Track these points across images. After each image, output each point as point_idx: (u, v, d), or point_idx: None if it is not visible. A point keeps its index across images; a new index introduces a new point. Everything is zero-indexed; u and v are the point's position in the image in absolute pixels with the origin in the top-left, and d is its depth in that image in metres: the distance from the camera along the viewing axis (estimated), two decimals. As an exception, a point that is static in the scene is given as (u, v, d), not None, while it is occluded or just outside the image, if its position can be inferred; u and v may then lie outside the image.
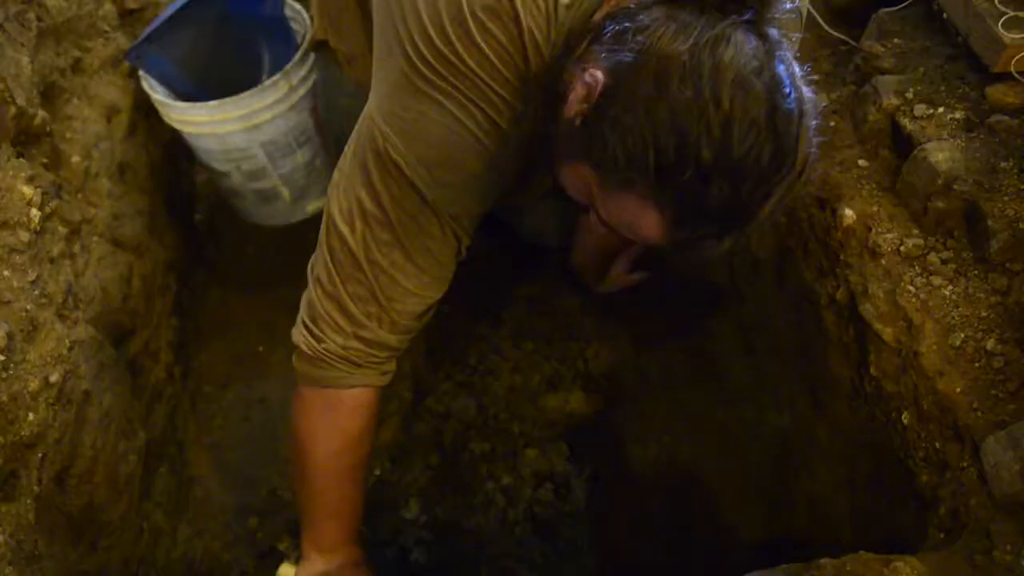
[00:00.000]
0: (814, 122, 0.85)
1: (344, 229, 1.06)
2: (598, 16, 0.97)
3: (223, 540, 1.61)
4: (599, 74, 0.87)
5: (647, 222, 0.88)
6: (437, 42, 0.96)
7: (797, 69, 0.85)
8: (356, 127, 1.08)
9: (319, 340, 1.12)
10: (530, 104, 1.01)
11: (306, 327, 1.13)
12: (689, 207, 0.83)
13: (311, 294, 1.12)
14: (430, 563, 1.58)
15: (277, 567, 1.32)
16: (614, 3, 0.95)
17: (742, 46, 0.81)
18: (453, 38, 0.95)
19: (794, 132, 0.82)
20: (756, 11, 0.84)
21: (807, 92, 0.85)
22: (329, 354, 1.12)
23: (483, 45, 0.95)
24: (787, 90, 0.82)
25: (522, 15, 0.95)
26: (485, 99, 0.97)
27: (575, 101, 0.91)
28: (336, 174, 1.09)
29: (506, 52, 0.96)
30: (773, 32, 0.85)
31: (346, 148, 1.09)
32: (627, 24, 0.86)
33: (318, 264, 1.11)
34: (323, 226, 1.10)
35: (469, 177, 1.02)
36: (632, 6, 0.89)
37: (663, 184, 0.82)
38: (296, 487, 1.27)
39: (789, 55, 0.86)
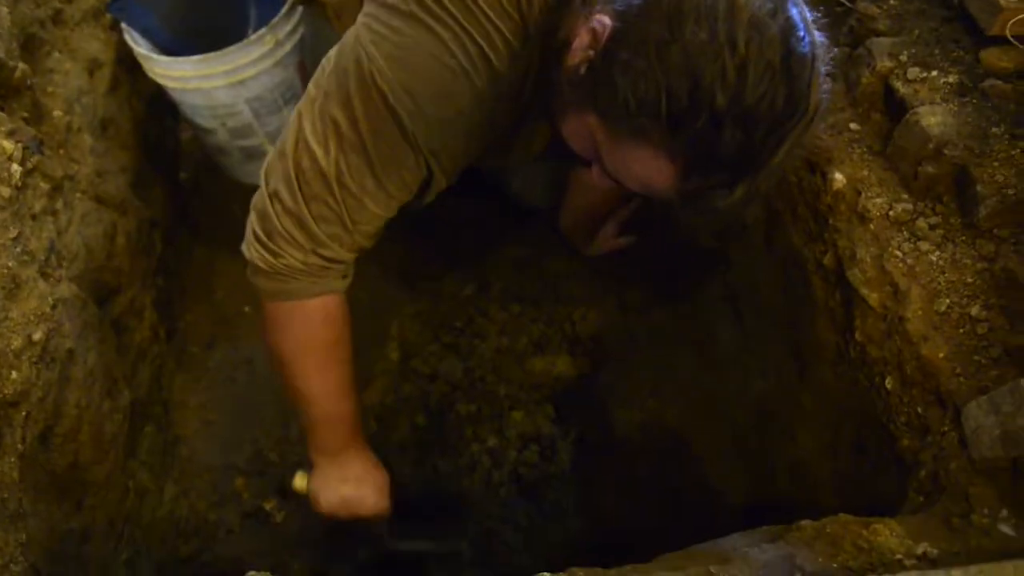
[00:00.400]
0: (825, 68, 0.84)
1: (317, 150, 1.02)
2: None
3: (209, 500, 1.62)
4: (606, 19, 0.85)
5: (657, 172, 0.86)
6: None
7: (808, 13, 0.84)
8: (339, 44, 1.04)
9: (276, 255, 1.09)
10: (528, 47, 0.99)
11: (260, 243, 1.10)
12: (701, 154, 0.82)
13: (268, 208, 1.08)
14: (415, 524, 1.59)
15: (292, 476, 1.36)
16: None
17: None
18: None
19: (807, 77, 0.81)
20: None
21: (819, 37, 0.84)
22: (287, 268, 1.10)
23: None
24: (801, 33, 0.81)
25: None
26: (483, 33, 0.95)
27: (579, 48, 0.90)
28: (311, 87, 1.05)
29: None
30: None
31: (324, 62, 1.05)
32: None
33: (278, 178, 1.07)
34: (290, 139, 1.05)
35: (455, 113, 1.00)
36: None
37: (675, 130, 0.81)
38: (288, 398, 1.27)
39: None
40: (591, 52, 0.87)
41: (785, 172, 1.38)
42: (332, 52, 1.05)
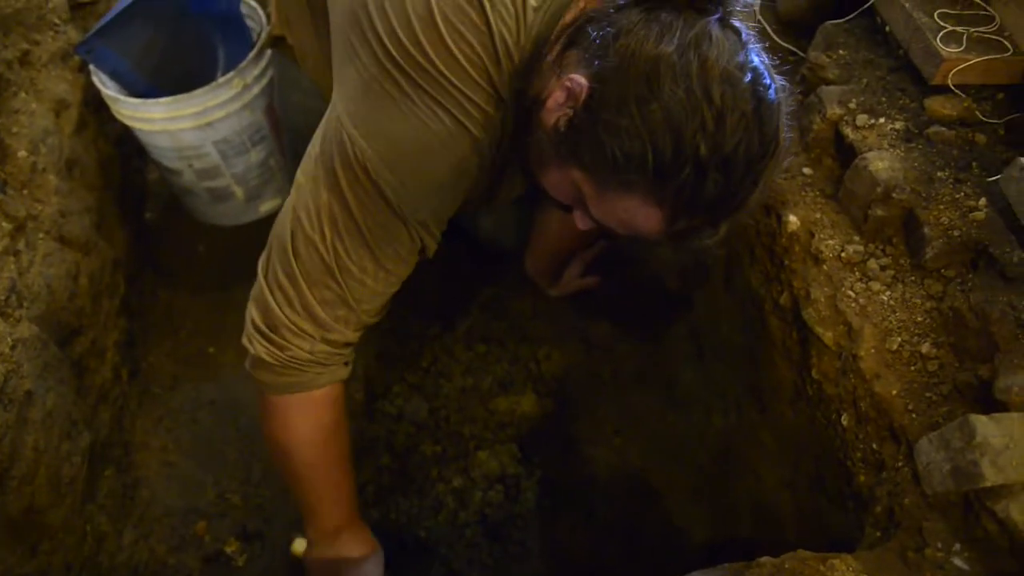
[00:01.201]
0: (787, 109, 0.90)
1: (314, 236, 1.04)
2: (568, 18, 0.98)
3: (169, 543, 1.59)
4: (581, 79, 0.89)
5: (645, 218, 0.91)
6: (407, 44, 0.95)
7: (767, 59, 0.89)
8: (322, 128, 1.06)
9: (283, 348, 1.09)
10: (500, 111, 1.01)
11: (264, 336, 1.10)
12: (687, 200, 0.86)
13: (269, 301, 1.08)
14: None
15: (291, 543, 1.41)
16: (583, 5, 0.97)
17: (721, 42, 0.85)
18: (423, 40, 0.95)
19: (775, 120, 0.87)
20: (722, 6, 0.88)
21: (780, 81, 0.89)
22: (296, 360, 1.10)
23: (453, 48, 0.95)
24: (767, 81, 0.87)
25: (492, 18, 0.96)
26: (455, 103, 0.97)
27: (555, 107, 0.93)
28: (300, 175, 1.07)
29: (476, 55, 0.96)
30: (740, 25, 0.89)
31: (310, 148, 1.07)
32: (607, 29, 0.88)
33: (276, 269, 1.08)
34: (286, 228, 1.07)
35: (438, 183, 1.02)
36: (606, 9, 0.91)
37: (662, 181, 0.85)
38: (287, 484, 1.28)
39: (759, 47, 0.90)
40: (569, 110, 0.91)
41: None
42: (315, 138, 1.07)
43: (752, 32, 0.91)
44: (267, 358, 1.10)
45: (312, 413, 1.18)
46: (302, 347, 1.09)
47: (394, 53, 0.96)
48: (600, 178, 0.91)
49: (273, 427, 1.20)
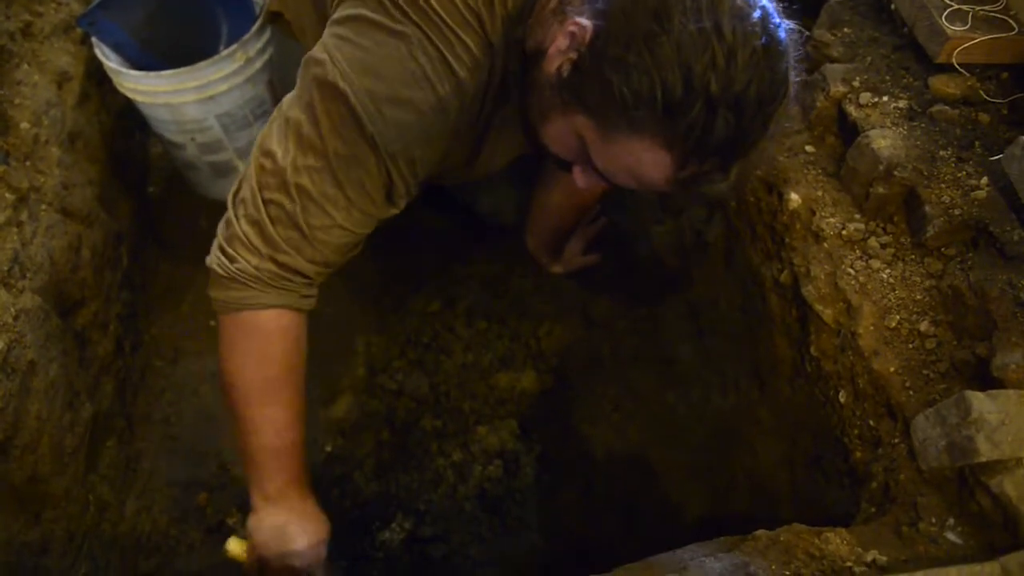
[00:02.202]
0: (796, 52, 0.88)
1: (276, 149, 1.03)
2: None
3: (171, 514, 1.60)
4: (584, 21, 0.87)
5: (654, 163, 0.88)
6: None
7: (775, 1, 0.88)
8: (305, 57, 1.05)
9: (232, 260, 1.08)
10: (489, 57, 1.00)
11: (220, 249, 1.09)
12: (696, 141, 0.84)
13: (230, 214, 1.09)
14: (383, 539, 1.60)
15: (225, 541, 1.26)
16: None
17: None
18: None
19: (786, 60, 0.85)
20: None
21: (788, 23, 0.88)
22: (242, 274, 1.07)
23: None
24: (777, 20, 0.85)
25: None
26: (443, 39, 0.96)
27: (558, 52, 0.92)
28: (282, 101, 1.07)
29: None
30: None
31: (300, 67, 1.06)
32: None
33: (243, 185, 1.08)
34: (255, 147, 1.07)
35: (416, 117, 1.00)
36: None
37: (672, 120, 0.83)
38: (234, 432, 1.18)
39: None
40: (573, 54, 0.89)
41: (743, 192, 1.42)
42: (306, 59, 1.05)
43: None
44: (218, 270, 1.09)
45: (256, 338, 1.12)
46: (249, 261, 1.07)
47: None
48: (606, 121, 0.88)
49: (221, 352, 1.14)
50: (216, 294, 1.12)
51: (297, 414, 1.17)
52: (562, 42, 0.91)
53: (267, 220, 1.05)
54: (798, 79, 0.89)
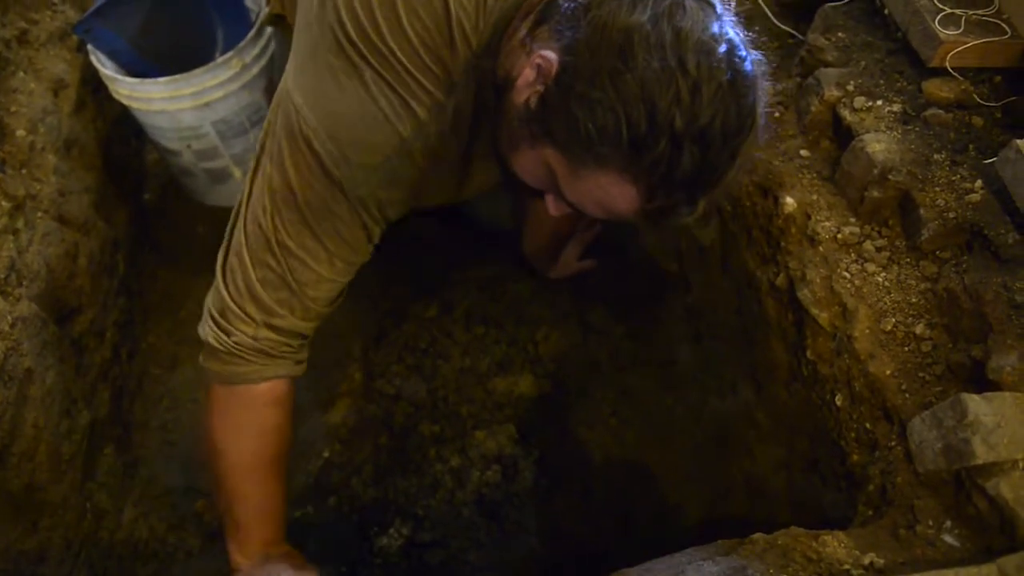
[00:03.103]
0: (765, 83, 0.88)
1: (257, 209, 1.02)
2: (527, 1, 0.96)
3: (169, 522, 1.60)
4: (551, 54, 0.87)
5: (621, 197, 0.88)
6: (363, 20, 0.95)
7: (743, 32, 0.87)
8: (274, 99, 1.05)
9: (228, 333, 1.07)
10: (453, 96, 0.99)
11: (214, 321, 1.08)
12: (663, 175, 0.83)
13: (218, 284, 1.07)
14: (381, 545, 1.59)
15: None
16: None
17: (696, 13, 0.83)
18: (379, 18, 0.94)
19: (752, 93, 0.85)
20: None
21: (756, 55, 0.87)
22: (240, 347, 1.07)
23: (408, 30, 0.94)
24: (743, 53, 0.85)
25: (452, 3, 0.95)
26: (403, 85, 0.96)
27: (524, 85, 0.91)
28: (256, 151, 1.06)
29: (430, 37, 0.95)
30: None
31: (265, 123, 1.06)
32: (574, 3, 0.87)
33: (230, 252, 1.07)
34: (241, 208, 1.05)
35: (379, 160, 0.99)
36: None
37: (637, 155, 0.82)
38: (216, 492, 1.19)
39: (733, 19, 0.88)
40: (540, 87, 0.89)
41: (739, 195, 1.42)
42: (269, 111, 1.05)
43: (727, 5, 0.89)
44: (214, 343, 1.08)
45: (251, 410, 1.13)
46: (246, 332, 1.06)
47: (348, 27, 0.95)
48: (573, 155, 0.88)
49: (211, 419, 1.14)
50: (212, 366, 1.11)
51: (283, 480, 1.19)
52: (529, 74, 0.90)
53: (257, 284, 1.04)
54: (766, 109, 0.88)
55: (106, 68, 1.71)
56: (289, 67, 1.04)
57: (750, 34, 0.89)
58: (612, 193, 0.88)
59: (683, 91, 0.79)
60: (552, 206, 1.03)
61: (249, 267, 1.04)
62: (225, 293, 1.06)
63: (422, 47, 0.95)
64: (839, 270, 1.19)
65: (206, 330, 1.10)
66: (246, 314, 1.06)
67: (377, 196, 1.03)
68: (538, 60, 0.89)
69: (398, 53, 0.95)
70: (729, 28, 0.85)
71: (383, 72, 0.96)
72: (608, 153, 0.83)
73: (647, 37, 0.81)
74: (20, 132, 1.45)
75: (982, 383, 1.01)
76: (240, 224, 1.05)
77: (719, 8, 0.87)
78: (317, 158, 0.98)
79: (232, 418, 1.14)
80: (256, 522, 1.18)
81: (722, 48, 0.82)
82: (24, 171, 1.44)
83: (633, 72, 0.80)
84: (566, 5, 0.88)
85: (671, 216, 0.89)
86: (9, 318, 1.25)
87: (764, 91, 0.88)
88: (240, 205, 1.06)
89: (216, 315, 1.08)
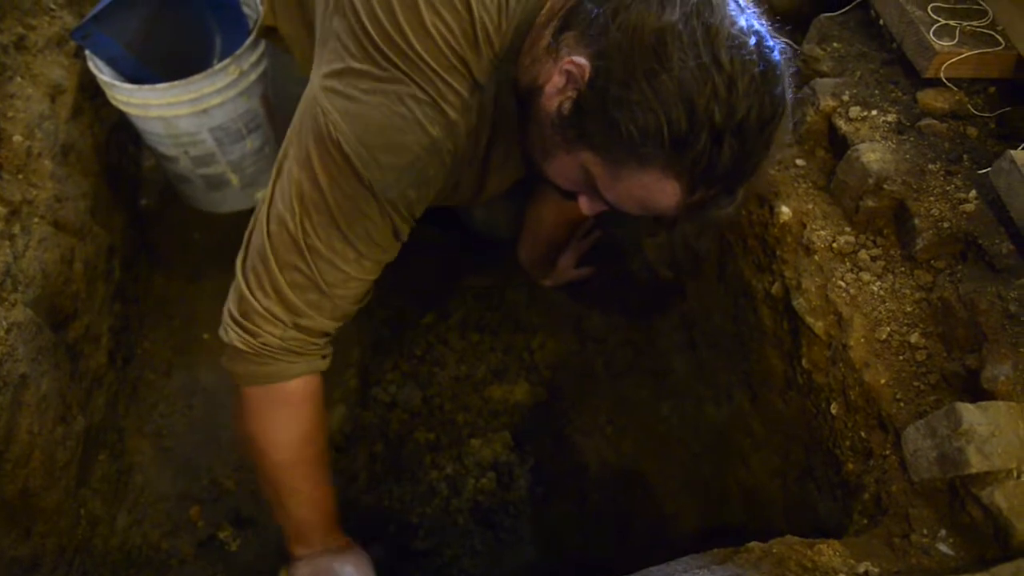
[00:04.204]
0: (790, 70, 0.90)
1: (285, 214, 1.03)
2: (547, 7, 0.98)
3: (163, 528, 1.59)
4: (582, 60, 0.88)
5: (663, 194, 0.90)
6: (386, 25, 0.96)
7: (765, 22, 0.89)
8: (299, 106, 1.06)
9: (254, 335, 1.07)
10: (476, 97, 1.01)
11: (238, 324, 1.09)
12: (704, 169, 0.86)
13: (242, 287, 1.08)
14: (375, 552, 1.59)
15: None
16: None
17: (722, 7, 0.85)
18: (403, 22, 0.95)
19: (782, 81, 0.87)
20: None
21: (780, 43, 0.89)
22: (268, 348, 1.08)
23: (432, 30, 0.95)
24: (770, 43, 0.87)
25: (474, 5, 0.96)
26: (429, 83, 0.97)
27: (554, 92, 0.93)
28: (279, 156, 1.07)
29: (454, 39, 0.96)
30: None
31: (289, 130, 1.07)
32: (603, 6, 0.88)
33: (251, 254, 1.07)
34: (262, 211, 1.06)
35: (409, 161, 1.00)
36: None
37: (679, 153, 0.85)
38: (266, 491, 1.23)
39: (756, 10, 0.90)
40: (572, 92, 0.90)
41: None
42: (294, 118, 1.06)
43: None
44: (240, 346, 1.09)
45: (287, 407, 1.15)
46: (273, 333, 1.07)
47: (372, 32, 0.96)
48: (613, 157, 0.90)
49: (248, 423, 1.16)
50: (240, 368, 1.12)
51: (328, 465, 1.23)
52: (558, 80, 0.92)
53: (285, 287, 1.04)
54: (792, 96, 0.91)
55: (104, 74, 1.72)
56: (315, 74, 1.05)
57: (773, 24, 0.90)
58: (654, 191, 0.90)
59: (720, 87, 0.82)
60: (587, 206, 1.05)
61: (276, 271, 1.04)
62: (250, 296, 1.06)
63: (447, 47, 0.96)
64: (834, 279, 1.19)
65: (230, 334, 1.10)
66: (273, 316, 1.06)
67: (407, 196, 1.03)
68: (568, 66, 0.90)
69: (424, 55, 0.95)
70: (755, 20, 0.87)
71: (411, 74, 0.96)
72: (650, 152, 0.86)
73: (679, 36, 0.83)
74: (17, 137, 1.45)
75: (976, 392, 1.01)
76: (263, 228, 1.05)
77: (742, 1, 0.89)
78: (347, 161, 0.98)
79: (268, 417, 1.15)
80: (310, 513, 1.22)
81: (752, 41, 0.84)
82: (21, 176, 1.44)
83: (669, 72, 0.82)
84: (593, 10, 0.89)
85: (711, 207, 0.92)
86: (4, 323, 1.24)
87: (790, 77, 0.90)
88: (262, 209, 1.06)
89: (239, 318, 1.08)
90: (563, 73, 0.91)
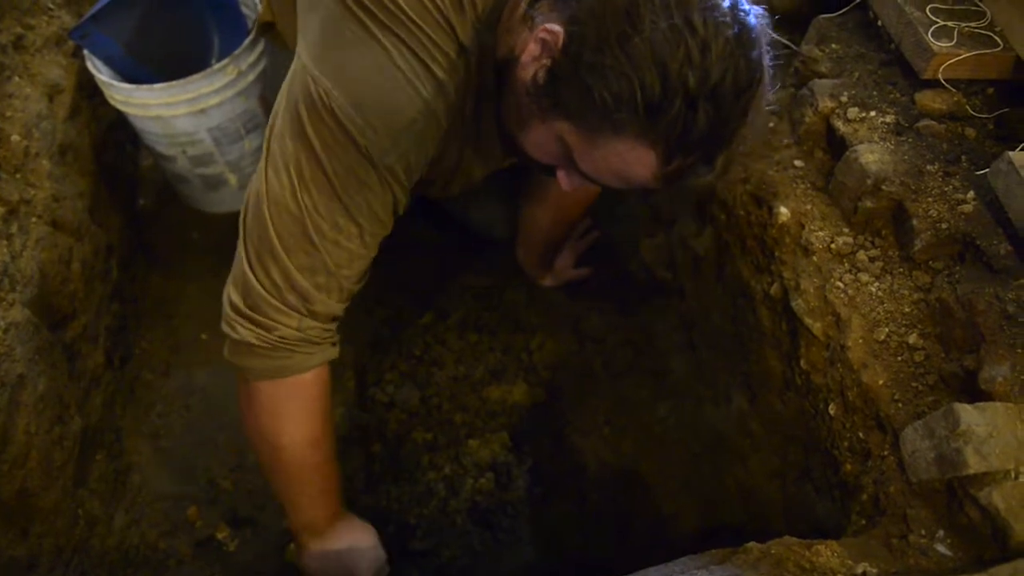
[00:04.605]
0: (769, 34, 0.89)
1: (284, 194, 1.00)
2: None
3: (160, 529, 1.59)
4: (555, 27, 0.87)
5: (639, 163, 0.88)
6: None
7: None
8: (287, 81, 1.03)
9: (270, 329, 1.05)
10: (462, 58, 0.99)
11: (247, 317, 1.05)
12: (679, 136, 0.84)
13: (248, 277, 1.04)
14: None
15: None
16: None
17: None
18: None
19: (759, 46, 0.86)
20: None
21: (758, 9, 0.88)
22: (285, 340, 1.05)
23: None
24: (745, 7, 0.85)
25: None
26: (418, 42, 0.95)
27: (530, 60, 0.92)
28: (267, 135, 1.04)
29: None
30: None
31: (276, 105, 1.04)
32: None
33: (254, 241, 1.03)
34: (261, 194, 1.02)
35: (405, 123, 0.98)
36: None
37: (653, 118, 0.83)
38: (276, 482, 1.22)
39: None
40: (547, 60, 0.89)
41: (733, 204, 1.43)
42: (280, 93, 1.04)
43: None
44: (254, 341, 1.05)
45: (303, 399, 1.13)
46: (289, 324, 1.04)
47: None
48: (588, 125, 0.88)
49: (261, 418, 1.14)
50: (253, 364, 1.09)
51: (335, 452, 1.23)
52: (534, 48, 0.91)
53: (295, 272, 1.02)
54: (771, 61, 0.89)
55: (102, 74, 1.71)
56: (301, 45, 1.03)
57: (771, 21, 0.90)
58: (629, 160, 0.89)
59: (693, 50, 0.80)
60: (565, 181, 1.03)
61: (283, 257, 1.01)
62: (260, 288, 1.03)
63: (431, 5, 0.95)
64: (832, 280, 1.19)
65: (239, 330, 1.06)
66: (287, 305, 1.04)
67: (405, 161, 1.02)
68: (542, 34, 0.89)
69: (408, 11, 0.94)
70: None
71: (397, 31, 0.95)
72: (624, 119, 0.84)
73: None
74: (15, 137, 1.45)
75: (974, 393, 1.01)
76: (263, 216, 1.01)
77: None
78: (342, 127, 0.96)
79: (285, 411, 1.13)
80: (318, 502, 1.23)
81: (726, 3, 0.83)
82: (18, 176, 1.44)
83: (641, 35, 0.81)
84: None
85: (689, 177, 0.90)
86: (2, 323, 1.24)
87: (768, 43, 0.88)
88: (258, 191, 1.03)
89: (249, 312, 1.05)
90: (538, 41, 0.90)
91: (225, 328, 1.09)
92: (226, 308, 1.08)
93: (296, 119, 0.99)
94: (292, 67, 1.03)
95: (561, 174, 1.03)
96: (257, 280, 1.04)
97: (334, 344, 1.14)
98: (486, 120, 1.10)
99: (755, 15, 0.86)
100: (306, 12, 1.04)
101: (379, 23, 0.95)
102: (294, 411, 1.14)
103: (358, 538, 1.27)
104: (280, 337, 1.05)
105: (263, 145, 1.05)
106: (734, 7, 0.84)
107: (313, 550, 1.26)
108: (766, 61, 0.87)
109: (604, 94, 0.83)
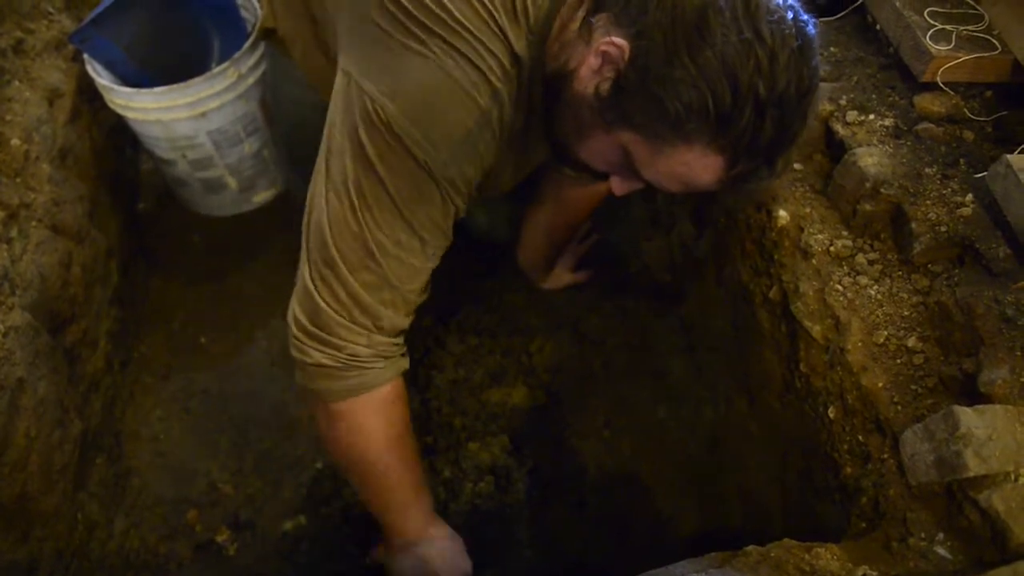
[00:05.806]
0: (820, 42, 0.91)
1: (345, 213, 1.00)
2: None
3: (160, 532, 1.59)
4: (619, 40, 0.88)
5: (705, 169, 0.91)
6: None
7: None
8: (338, 102, 1.02)
9: (339, 348, 1.05)
10: (516, 66, 0.99)
11: (317, 339, 1.06)
12: (748, 143, 0.87)
13: (315, 299, 1.04)
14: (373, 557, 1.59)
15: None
16: None
17: None
18: None
19: (816, 55, 0.89)
20: None
21: (812, 17, 0.90)
22: (357, 358, 1.06)
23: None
24: (804, 17, 0.88)
25: None
26: (472, 50, 0.95)
27: (589, 74, 0.93)
28: (323, 154, 1.03)
29: (495, 9, 0.95)
30: None
31: (328, 126, 1.03)
32: None
33: (317, 263, 1.04)
34: (321, 217, 1.02)
35: (463, 134, 0.98)
36: None
37: (724, 128, 0.86)
38: (365, 493, 1.24)
39: None
40: (611, 73, 0.90)
41: (733, 210, 1.43)
42: (331, 115, 1.03)
43: None
44: (329, 362, 1.06)
45: (384, 413, 1.14)
46: (359, 342, 1.06)
47: (407, 4, 0.95)
48: (655, 134, 0.90)
49: (344, 437, 1.14)
50: (329, 385, 1.09)
51: (420, 458, 1.27)
52: (594, 62, 0.92)
53: (360, 290, 1.03)
54: (822, 66, 0.94)
55: (102, 78, 1.72)
56: (349, 64, 1.02)
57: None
58: (695, 167, 0.91)
59: (762, 60, 0.83)
60: (618, 186, 1.05)
61: (347, 275, 1.02)
62: (327, 308, 1.04)
63: (486, 14, 0.95)
64: (832, 283, 1.20)
65: (314, 354, 1.07)
66: (356, 323, 1.05)
67: (465, 174, 1.02)
68: (604, 47, 0.90)
69: (463, 21, 0.94)
70: None
71: (449, 39, 0.94)
72: (694, 129, 0.86)
73: (721, 12, 0.83)
74: (15, 141, 1.45)
75: (974, 396, 1.02)
76: (324, 235, 1.02)
77: None
78: (400, 143, 0.96)
79: (368, 427, 1.14)
80: (411, 509, 1.24)
81: (789, 15, 0.85)
82: (18, 180, 1.44)
83: (713, 48, 0.83)
84: None
85: (751, 180, 0.93)
86: (2, 327, 1.24)
87: (820, 49, 0.91)
88: (318, 212, 1.03)
89: (319, 332, 1.06)
90: (599, 54, 0.91)
91: (296, 354, 1.10)
92: (292, 329, 1.09)
93: (354, 139, 0.99)
94: (339, 88, 1.03)
95: (615, 179, 1.04)
96: (323, 299, 1.04)
97: (404, 355, 1.15)
98: (532, 130, 1.10)
99: (812, 25, 0.89)
100: (351, 32, 1.03)
101: (431, 33, 0.95)
102: (377, 426, 1.14)
103: (445, 546, 1.26)
104: (351, 355, 1.06)
105: (318, 162, 1.05)
106: (796, 19, 0.86)
107: (402, 555, 1.26)
108: (820, 66, 0.90)
109: (675, 105, 0.85)
